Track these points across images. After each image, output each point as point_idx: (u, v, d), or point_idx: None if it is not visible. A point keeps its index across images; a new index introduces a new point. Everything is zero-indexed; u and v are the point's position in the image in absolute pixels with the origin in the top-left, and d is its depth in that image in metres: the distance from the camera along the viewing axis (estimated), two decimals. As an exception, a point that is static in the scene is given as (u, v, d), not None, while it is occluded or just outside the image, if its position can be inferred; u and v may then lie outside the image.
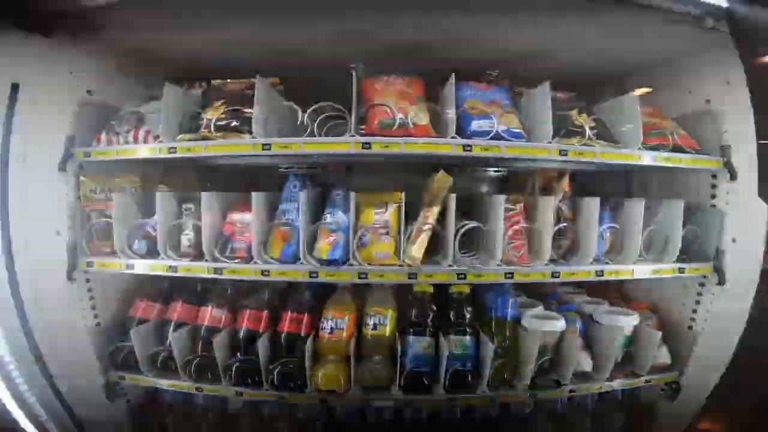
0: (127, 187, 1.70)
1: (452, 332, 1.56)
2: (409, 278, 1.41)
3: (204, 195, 1.53)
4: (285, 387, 1.51)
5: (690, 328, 1.78)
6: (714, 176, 1.67)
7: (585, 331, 1.70)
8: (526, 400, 1.64)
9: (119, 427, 1.78)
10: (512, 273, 1.46)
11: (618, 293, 2.01)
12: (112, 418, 1.75)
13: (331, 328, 1.52)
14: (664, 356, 1.75)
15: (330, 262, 1.42)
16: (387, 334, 1.54)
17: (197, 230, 1.52)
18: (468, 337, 1.56)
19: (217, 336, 1.52)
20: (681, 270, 1.63)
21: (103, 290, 1.72)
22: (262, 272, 1.43)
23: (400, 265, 1.43)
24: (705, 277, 1.71)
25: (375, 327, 1.54)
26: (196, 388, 1.60)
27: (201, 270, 1.48)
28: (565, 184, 1.68)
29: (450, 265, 1.44)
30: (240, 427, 1.74)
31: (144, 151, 1.53)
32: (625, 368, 1.71)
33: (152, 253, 1.56)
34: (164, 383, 1.63)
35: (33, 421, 1.58)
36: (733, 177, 1.60)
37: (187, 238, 1.54)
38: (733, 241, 1.63)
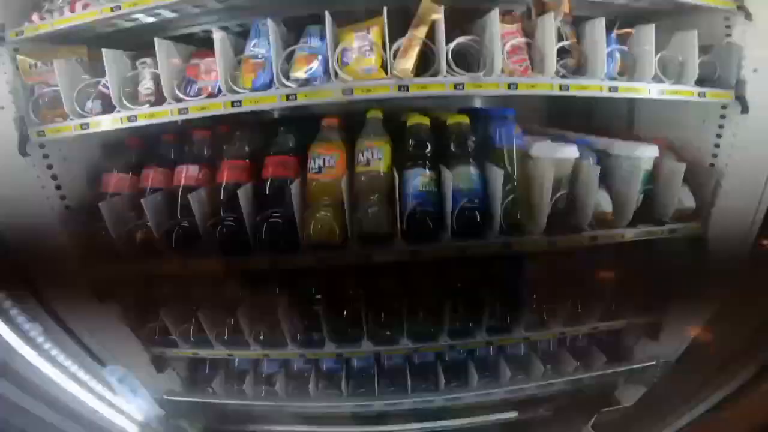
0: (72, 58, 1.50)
1: (455, 164, 1.39)
2: (399, 91, 1.23)
3: (159, 41, 1.33)
4: (274, 244, 1.35)
5: (712, 165, 1.63)
6: (727, 18, 1.53)
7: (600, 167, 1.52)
8: (542, 247, 1.49)
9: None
10: (516, 84, 1.29)
11: (628, 134, 1.84)
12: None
13: (320, 167, 1.35)
14: (687, 199, 1.61)
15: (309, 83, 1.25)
16: (382, 171, 1.37)
17: (156, 79, 1.34)
18: (473, 168, 1.39)
19: (194, 194, 1.35)
20: (701, 94, 1.48)
21: (67, 169, 1.54)
22: (233, 103, 1.26)
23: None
24: (725, 107, 1.57)
25: (368, 163, 1.36)
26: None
27: (164, 114, 1.30)
28: (566, 5, 1.49)
29: (445, 76, 1.26)
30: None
31: (85, 17, 1.35)
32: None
33: (107, 111, 1.37)
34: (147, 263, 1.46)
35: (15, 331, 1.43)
36: (748, 16, 1.46)
37: (144, 88, 1.36)
38: (755, 71, 1.49)
